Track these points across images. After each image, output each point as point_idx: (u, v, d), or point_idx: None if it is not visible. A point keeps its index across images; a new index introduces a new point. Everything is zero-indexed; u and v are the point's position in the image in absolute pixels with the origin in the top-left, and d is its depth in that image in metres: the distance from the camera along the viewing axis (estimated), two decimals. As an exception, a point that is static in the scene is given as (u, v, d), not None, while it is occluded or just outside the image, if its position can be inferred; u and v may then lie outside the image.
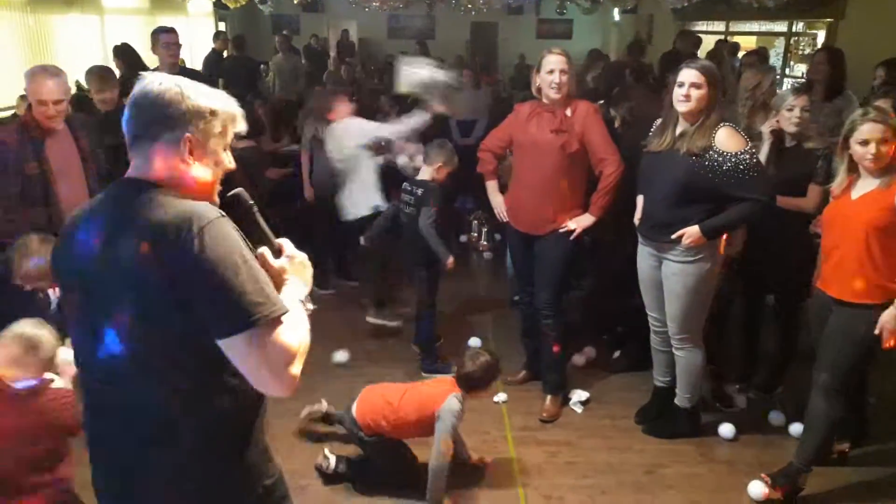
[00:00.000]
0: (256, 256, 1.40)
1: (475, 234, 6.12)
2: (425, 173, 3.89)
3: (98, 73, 4.29)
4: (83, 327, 1.41)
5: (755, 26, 9.73)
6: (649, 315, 3.31)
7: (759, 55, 5.77)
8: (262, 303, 1.28)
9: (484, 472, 3.07)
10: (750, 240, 3.33)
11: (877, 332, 2.60)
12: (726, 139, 2.84)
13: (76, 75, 6.15)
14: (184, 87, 1.38)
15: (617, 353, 4.06)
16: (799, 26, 8.83)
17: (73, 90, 5.64)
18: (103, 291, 1.34)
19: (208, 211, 1.32)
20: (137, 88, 1.39)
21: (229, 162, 1.47)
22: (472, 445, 3.22)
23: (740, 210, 2.86)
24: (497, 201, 3.57)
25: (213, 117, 1.40)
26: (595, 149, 3.24)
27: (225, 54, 8.98)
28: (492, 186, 3.60)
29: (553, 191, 3.29)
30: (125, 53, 6.52)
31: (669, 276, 3.06)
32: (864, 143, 2.57)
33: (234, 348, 1.28)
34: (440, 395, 2.87)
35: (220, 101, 1.43)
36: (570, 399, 3.61)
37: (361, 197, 4.46)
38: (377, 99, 7.07)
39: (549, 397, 3.55)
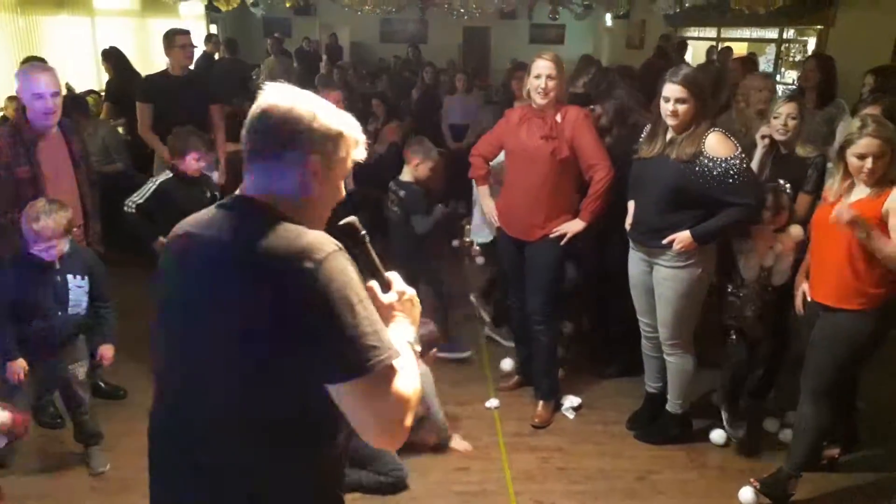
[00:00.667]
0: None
1: (467, 240, 6.11)
2: (406, 173, 3.90)
3: None
4: (172, 344, 1.35)
5: (746, 33, 9.78)
6: (640, 320, 3.31)
7: (742, 61, 5.77)
8: (377, 346, 1.18)
9: (476, 477, 3.07)
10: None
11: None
12: (716, 145, 2.85)
13: (66, 77, 6.12)
14: (315, 104, 1.29)
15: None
16: (790, 33, 8.88)
17: (64, 92, 5.60)
18: (203, 316, 1.26)
19: (326, 243, 1.22)
20: (265, 99, 1.29)
21: (342, 191, 1.38)
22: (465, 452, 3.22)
23: (731, 215, 2.87)
24: (489, 206, 3.57)
25: (340, 140, 1.31)
26: (585, 154, 3.24)
27: (216, 57, 8.97)
28: (483, 191, 3.60)
29: (543, 196, 3.29)
30: (113, 57, 6.50)
31: (661, 281, 3.06)
32: (861, 157, 2.57)
33: (344, 395, 1.19)
34: None
35: (347, 124, 1.33)
36: (562, 405, 3.61)
37: None
38: (368, 103, 7.07)
39: (541, 403, 3.54)
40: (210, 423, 1.29)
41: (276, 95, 1.29)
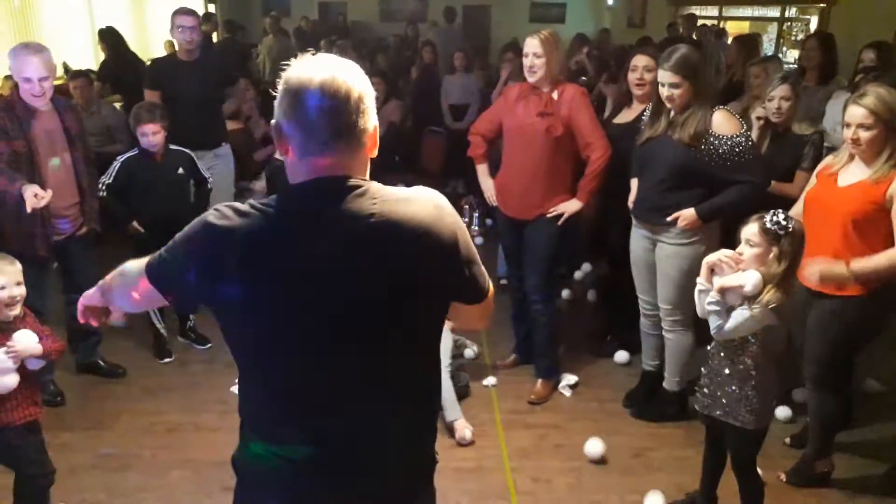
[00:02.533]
0: None
1: (466, 219, 6.12)
2: None
3: None
4: (310, 345, 1.27)
5: (748, 11, 9.70)
6: (640, 298, 3.32)
7: (741, 42, 5.70)
8: (485, 272, 1.43)
9: (473, 454, 3.09)
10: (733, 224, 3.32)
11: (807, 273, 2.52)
12: (722, 122, 2.85)
13: (63, 56, 6.09)
14: (359, 76, 1.27)
15: (608, 338, 4.07)
16: (792, 11, 8.82)
17: (60, 71, 5.60)
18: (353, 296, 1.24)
19: (440, 196, 1.38)
20: (319, 77, 1.22)
21: None
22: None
23: (736, 192, 2.87)
24: (487, 185, 3.56)
25: (373, 104, 1.31)
26: (582, 133, 3.23)
27: (214, 37, 8.90)
28: (482, 170, 3.59)
29: (540, 175, 3.28)
30: (110, 37, 6.45)
31: (663, 258, 3.07)
32: (847, 125, 2.52)
33: (475, 310, 1.44)
34: None
35: (371, 87, 1.32)
36: (559, 382, 3.63)
37: None
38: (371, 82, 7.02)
39: (540, 381, 3.56)
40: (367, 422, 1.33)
41: (332, 77, 1.22)
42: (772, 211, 2.29)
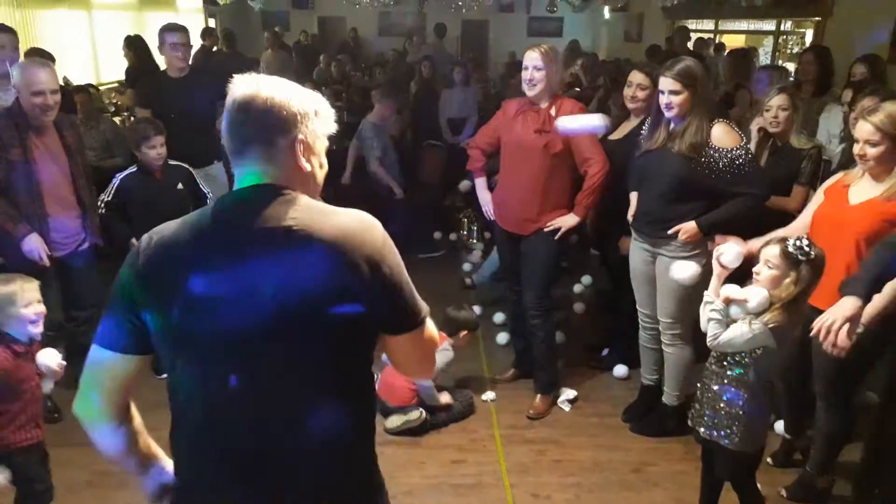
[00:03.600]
0: None
1: (465, 232, 6.12)
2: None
3: None
4: (211, 354, 1.28)
5: (744, 25, 9.77)
6: (640, 311, 3.32)
7: (735, 55, 5.75)
8: (421, 302, 1.39)
9: (471, 470, 3.08)
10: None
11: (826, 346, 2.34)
12: (722, 135, 2.86)
13: (64, 71, 6.10)
14: (289, 90, 1.35)
15: (605, 351, 4.07)
16: (787, 25, 8.87)
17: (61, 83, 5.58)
18: (257, 304, 1.23)
19: (367, 213, 1.36)
20: (240, 93, 1.33)
21: (326, 163, 1.45)
22: (460, 444, 3.25)
23: (737, 205, 2.88)
24: (485, 199, 3.57)
25: (316, 118, 1.36)
26: (579, 148, 3.24)
27: (214, 50, 8.95)
28: (480, 183, 3.60)
29: (537, 190, 3.29)
30: (136, 45, 6.49)
31: (663, 271, 3.07)
32: (856, 141, 2.52)
33: (405, 343, 1.38)
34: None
35: (319, 102, 1.39)
36: (558, 397, 3.62)
37: None
38: (366, 96, 7.06)
39: (539, 396, 3.56)
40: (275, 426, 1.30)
41: (251, 87, 1.33)
42: (797, 236, 2.27)
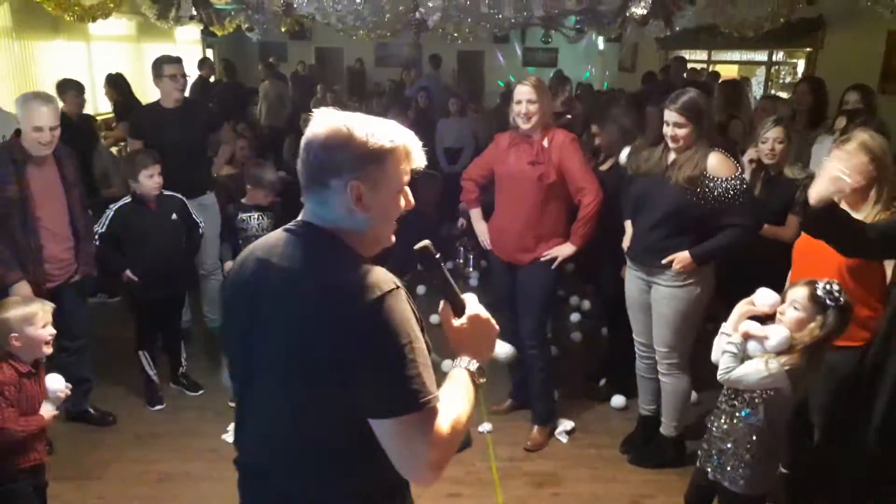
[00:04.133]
0: (439, 312, 1.41)
1: (461, 261, 6.12)
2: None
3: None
4: (237, 367, 1.44)
5: (737, 55, 9.89)
6: (636, 341, 3.31)
7: (725, 85, 5.81)
8: (419, 390, 1.22)
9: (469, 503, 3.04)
10: (727, 267, 3.32)
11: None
12: (718, 165, 2.88)
13: (61, 102, 6.11)
14: (353, 127, 1.29)
15: (602, 381, 4.04)
16: (779, 55, 8.99)
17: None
18: (266, 337, 1.32)
19: (386, 281, 1.26)
20: (309, 130, 1.32)
21: (406, 202, 1.38)
22: (457, 476, 3.21)
23: (729, 235, 2.89)
24: (480, 229, 3.57)
25: (385, 157, 1.30)
26: (573, 178, 3.26)
27: (211, 80, 9.02)
28: (475, 214, 3.61)
29: (533, 221, 3.30)
30: (117, 83, 6.56)
31: (659, 300, 3.06)
32: None
33: (384, 431, 1.24)
34: None
35: (392, 137, 1.31)
36: (555, 428, 3.59)
37: None
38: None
39: (536, 427, 3.52)
40: (273, 450, 1.37)
41: (317, 124, 1.32)
42: (826, 280, 2.23)
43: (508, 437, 3.55)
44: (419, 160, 1.36)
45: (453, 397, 1.30)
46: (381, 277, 1.26)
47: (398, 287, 1.27)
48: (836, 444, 2.72)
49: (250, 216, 3.88)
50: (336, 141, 1.28)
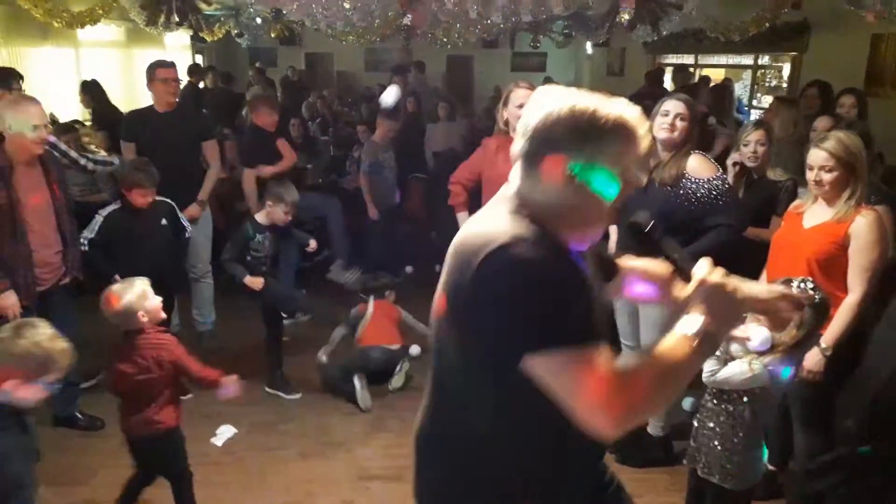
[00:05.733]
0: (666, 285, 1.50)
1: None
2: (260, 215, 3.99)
3: None
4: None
5: (723, 59, 9.98)
6: (623, 342, 3.33)
7: (717, 90, 5.88)
8: (552, 331, 1.19)
9: None
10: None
11: (804, 374, 2.59)
12: (698, 166, 2.91)
13: (51, 108, 6.13)
14: (576, 103, 1.24)
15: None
16: (765, 59, 9.08)
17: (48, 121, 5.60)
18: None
19: (516, 232, 1.23)
20: (530, 103, 1.31)
21: (635, 180, 1.31)
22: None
23: (714, 236, 2.91)
24: None
25: (605, 137, 1.23)
26: None
27: (201, 86, 9.02)
28: (463, 218, 3.63)
29: None
30: (92, 90, 6.57)
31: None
32: (810, 168, 2.61)
33: (536, 374, 1.22)
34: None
35: (617, 118, 1.24)
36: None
37: None
38: (354, 129, 7.14)
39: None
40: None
41: (539, 98, 1.29)
42: (801, 278, 2.27)
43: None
44: (645, 149, 1.29)
45: (654, 351, 1.27)
46: (518, 228, 1.26)
47: (527, 240, 1.23)
48: (815, 433, 2.76)
49: (265, 237, 3.89)
50: (556, 115, 1.24)
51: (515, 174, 1.34)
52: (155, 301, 2.69)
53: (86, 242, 3.52)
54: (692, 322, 1.29)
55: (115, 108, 6.56)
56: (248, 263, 3.83)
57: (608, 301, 1.63)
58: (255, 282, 3.78)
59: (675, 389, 1.29)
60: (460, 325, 1.32)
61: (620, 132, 1.25)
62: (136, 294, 2.64)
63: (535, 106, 1.29)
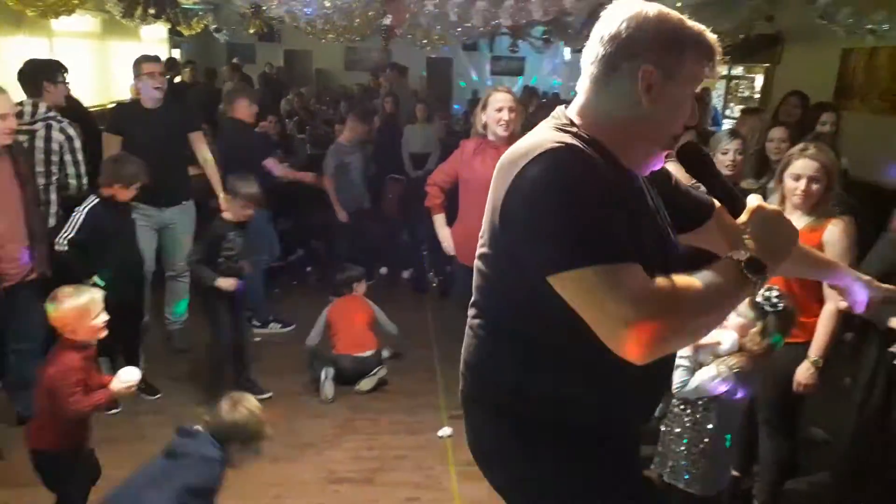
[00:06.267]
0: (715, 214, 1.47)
1: (426, 263, 6.15)
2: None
3: None
4: None
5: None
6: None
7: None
8: (585, 244, 1.13)
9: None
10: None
11: (795, 387, 2.64)
12: (676, 173, 2.93)
13: (23, 96, 6.01)
14: (661, 10, 1.21)
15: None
16: (738, 70, 9.23)
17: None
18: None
19: (557, 139, 1.20)
20: (609, 11, 1.25)
21: (691, 118, 1.27)
22: (415, 481, 3.22)
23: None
24: (444, 234, 3.60)
25: (687, 49, 1.20)
26: None
27: (176, 80, 8.92)
28: (439, 220, 3.63)
29: None
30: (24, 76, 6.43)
31: None
32: (797, 178, 2.63)
33: (560, 289, 1.16)
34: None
35: (699, 32, 1.22)
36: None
37: None
38: (332, 128, 7.11)
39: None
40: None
41: (619, 6, 1.24)
42: (766, 286, 2.31)
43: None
44: (716, 70, 1.26)
45: (696, 274, 1.18)
46: (558, 137, 1.23)
47: (568, 146, 1.21)
48: (782, 438, 2.81)
49: (237, 234, 3.75)
50: (640, 20, 1.20)
51: (581, 87, 1.31)
52: (95, 321, 2.57)
53: (65, 242, 3.41)
54: (741, 250, 1.23)
55: (78, 102, 6.43)
56: (220, 265, 3.71)
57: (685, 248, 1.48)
58: (229, 283, 3.66)
59: (712, 319, 1.20)
60: (504, 246, 1.30)
61: (702, 49, 1.23)
62: (79, 306, 2.52)
63: (612, 15, 1.24)
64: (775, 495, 2.91)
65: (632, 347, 1.10)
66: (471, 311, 1.46)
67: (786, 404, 2.79)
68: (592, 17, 6.11)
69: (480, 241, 1.39)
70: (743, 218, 1.26)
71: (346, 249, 5.52)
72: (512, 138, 3.29)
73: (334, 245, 5.72)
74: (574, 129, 1.26)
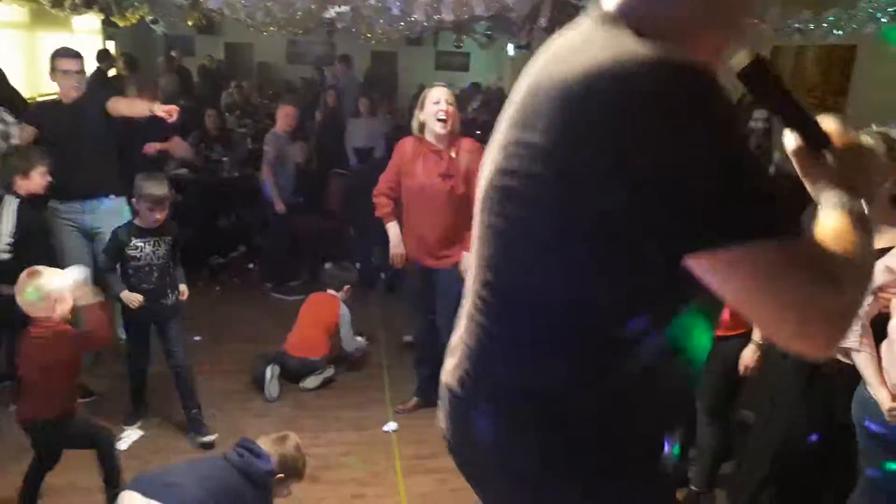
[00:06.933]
0: (791, 151, 1.04)
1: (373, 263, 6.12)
2: None
3: None
4: None
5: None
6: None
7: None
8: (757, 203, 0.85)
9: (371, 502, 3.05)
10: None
11: (741, 368, 2.75)
12: None
13: (-59, 91, 5.73)
14: None
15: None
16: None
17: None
18: None
19: (661, 52, 0.86)
20: None
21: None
22: (361, 478, 3.22)
23: None
24: (396, 241, 3.55)
25: None
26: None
27: (111, 73, 8.64)
28: (392, 228, 3.55)
29: (446, 230, 3.36)
30: None
31: None
32: None
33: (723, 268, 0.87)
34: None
35: None
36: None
37: None
38: (273, 122, 6.99)
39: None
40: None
41: None
42: None
43: (414, 434, 3.58)
44: None
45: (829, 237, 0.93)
46: (647, 51, 0.89)
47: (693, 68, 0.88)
48: (720, 423, 2.93)
49: (146, 242, 3.30)
50: None
51: None
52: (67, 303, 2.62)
53: (8, 247, 3.21)
54: (833, 196, 1.01)
55: (16, 92, 6.17)
56: (129, 276, 3.30)
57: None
58: (132, 298, 3.23)
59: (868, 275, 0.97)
60: (590, 206, 0.94)
61: None
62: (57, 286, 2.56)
63: None
64: (712, 480, 3.03)
65: (830, 338, 0.88)
66: (479, 302, 1.20)
67: (728, 391, 2.91)
68: (534, 13, 6.18)
69: (508, 204, 1.09)
70: (828, 156, 1.03)
71: (280, 243, 5.46)
72: (451, 136, 3.31)
73: (274, 239, 5.64)
74: (645, 32, 0.92)
